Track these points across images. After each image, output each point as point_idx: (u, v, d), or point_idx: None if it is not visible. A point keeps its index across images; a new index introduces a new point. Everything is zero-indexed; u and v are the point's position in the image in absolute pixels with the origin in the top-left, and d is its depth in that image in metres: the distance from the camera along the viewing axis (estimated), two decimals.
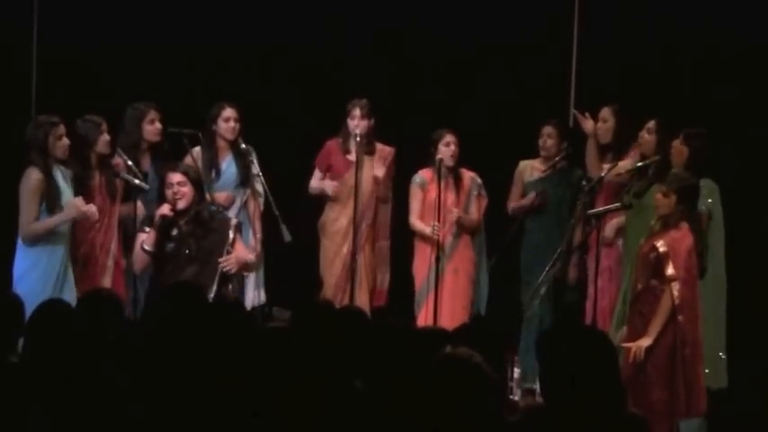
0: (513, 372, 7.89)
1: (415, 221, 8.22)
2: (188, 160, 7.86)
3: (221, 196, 7.94)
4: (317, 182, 8.44)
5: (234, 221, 7.45)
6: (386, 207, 8.49)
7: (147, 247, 7.19)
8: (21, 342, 4.91)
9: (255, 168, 8.03)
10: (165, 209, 7.19)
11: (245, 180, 8.05)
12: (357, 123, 8.23)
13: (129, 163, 7.61)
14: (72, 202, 7.08)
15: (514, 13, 9.10)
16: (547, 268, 7.82)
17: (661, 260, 6.56)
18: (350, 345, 4.73)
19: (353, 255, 8.24)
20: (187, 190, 7.22)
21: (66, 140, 7.17)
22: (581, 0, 8.94)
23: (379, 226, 8.46)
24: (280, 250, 8.03)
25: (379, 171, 8.30)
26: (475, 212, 8.26)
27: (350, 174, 8.26)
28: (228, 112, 8.07)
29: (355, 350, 4.68)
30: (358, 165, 8.17)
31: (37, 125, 7.17)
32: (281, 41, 9.51)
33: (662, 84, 8.54)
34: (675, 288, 6.51)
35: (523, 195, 8.34)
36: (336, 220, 8.39)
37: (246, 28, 9.53)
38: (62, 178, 7.18)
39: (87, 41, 9.50)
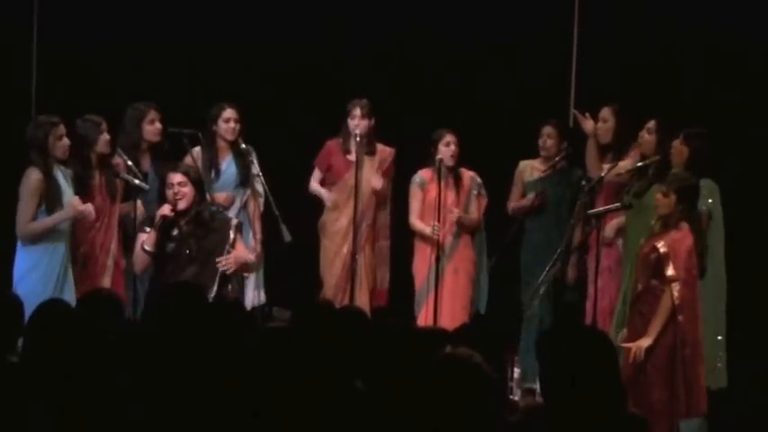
0: (513, 372, 7.89)
1: (415, 221, 8.22)
2: (188, 160, 7.86)
3: (221, 196, 7.94)
4: (316, 185, 8.45)
5: (234, 221, 7.45)
6: (385, 207, 8.49)
7: (147, 248, 7.19)
8: (21, 342, 4.91)
9: (255, 168, 8.02)
10: (165, 209, 7.19)
11: (244, 180, 8.05)
12: (357, 123, 8.23)
13: (129, 163, 7.61)
14: (69, 202, 7.09)
15: (514, 13, 9.10)
16: (547, 268, 7.82)
17: (661, 261, 6.56)
18: (350, 345, 4.73)
19: (353, 255, 8.24)
20: (188, 190, 7.22)
21: (66, 140, 7.18)
22: (581, 0, 8.94)
23: (379, 226, 8.46)
24: (280, 250, 8.03)
25: (378, 182, 8.29)
26: (475, 212, 8.26)
27: (350, 174, 8.26)
28: (229, 112, 8.07)
29: (355, 350, 4.68)
30: (358, 165, 8.17)
31: (37, 125, 7.18)
32: (281, 41, 9.50)
33: (662, 84, 8.54)
34: (676, 288, 6.51)
35: (523, 195, 8.34)
36: (336, 221, 8.39)
37: (246, 28, 9.52)
38: (63, 178, 7.18)
39: (87, 41, 9.50)
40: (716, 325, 7.17)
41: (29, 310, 4.94)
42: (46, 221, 7.08)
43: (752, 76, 8.41)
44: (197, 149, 8.02)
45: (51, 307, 4.92)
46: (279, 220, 7.80)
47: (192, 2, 9.61)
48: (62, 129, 7.16)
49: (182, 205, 7.20)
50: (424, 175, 8.24)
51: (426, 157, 8.20)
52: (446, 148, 8.12)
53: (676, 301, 6.51)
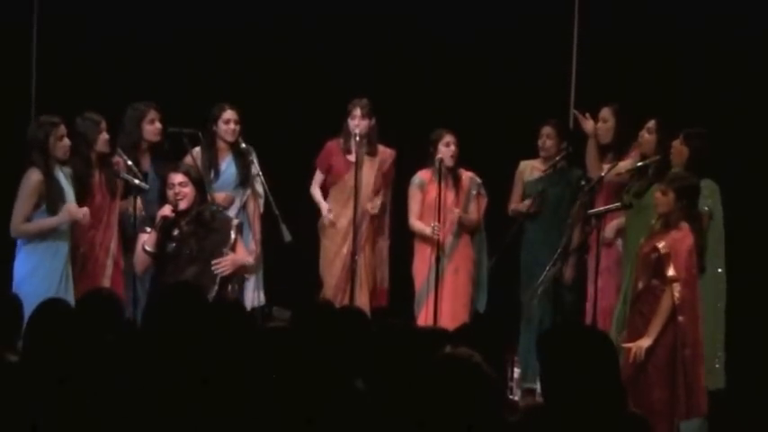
0: (513, 372, 7.88)
1: (415, 222, 8.22)
2: (188, 160, 7.86)
3: (220, 197, 7.94)
4: (317, 193, 8.44)
5: (236, 222, 7.45)
6: (385, 209, 8.48)
7: (148, 248, 7.19)
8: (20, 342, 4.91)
9: (255, 168, 8.02)
10: (166, 210, 7.20)
11: (244, 180, 8.05)
12: (357, 123, 8.23)
13: (129, 163, 7.61)
14: (65, 207, 7.08)
15: (514, 14, 9.10)
16: (547, 268, 7.82)
17: (662, 261, 6.56)
18: (350, 345, 4.73)
19: (353, 255, 8.24)
20: (188, 190, 7.22)
21: (66, 141, 7.18)
22: (581, 0, 8.94)
23: (379, 226, 8.46)
24: (280, 250, 8.03)
25: (371, 206, 8.28)
26: (474, 212, 8.26)
27: (350, 174, 8.26)
28: (229, 113, 8.07)
29: (355, 350, 4.68)
30: (358, 165, 8.17)
31: (38, 125, 7.18)
32: (281, 41, 9.50)
33: (662, 84, 8.54)
34: (676, 289, 6.51)
35: (524, 195, 8.34)
36: (336, 221, 8.38)
37: (246, 28, 9.51)
38: (63, 178, 7.18)
39: (87, 41, 9.50)
40: (715, 325, 7.17)
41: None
42: (41, 225, 7.08)
43: (752, 76, 8.41)
44: (197, 149, 8.02)
45: (51, 307, 4.92)
46: (279, 220, 7.79)
47: (192, 2, 9.60)
48: (63, 129, 7.16)
49: (183, 205, 7.20)
50: (423, 176, 8.24)
51: (426, 158, 8.20)
52: (446, 149, 8.12)
53: (677, 302, 6.51)
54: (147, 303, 6.59)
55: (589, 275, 7.73)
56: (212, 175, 8.02)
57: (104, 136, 7.43)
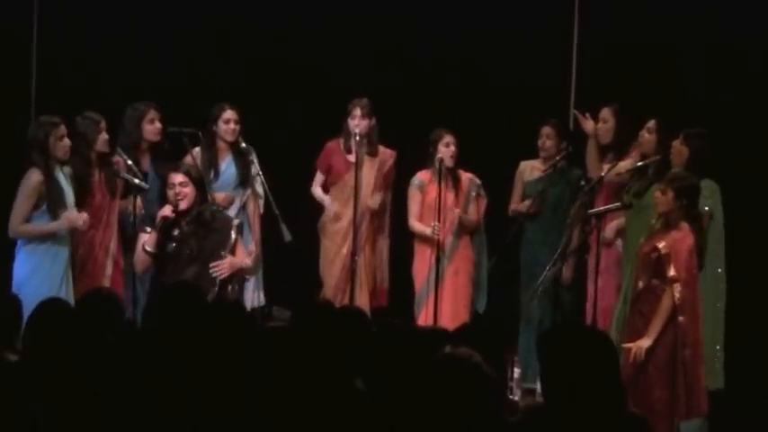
0: (513, 372, 7.88)
1: (415, 223, 8.22)
2: (188, 160, 7.86)
3: (220, 197, 7.94)
4: (319, 190, 8.44)
5: (236, 222, 7.44)
6: (385, 209, 8.48)
7: (148, 248, 7.19)
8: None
9: (255, 168, 8.02)
10: (166, 210, 7.19)
11: (244, 180, 8.05)
12: (357, 123, 8.23)
13: (129, 163, 7.61)
14: (64, 215, 7.08)
15: (514, 14, 9.10)
16: (547, 268, 7.82)
17: (662, 261, 6.55)
18: (350, 345, 4.73)
19: (353, 255, 8.24)
20: (189, 190, 7.22)
21: (67, 141, 7.18)
22: (581, 0, 8.94)
23: (379, 226, 8.45)
24: (280, 250, 8.03)
25: (373, 202, 8.28)
26: (474, 213, 8.25)
27: (350, 174, 8.25)
28: (229, 113, 8.07)
29: (355, 350, 4.68)
30: (358, 165, 8.17)
31: (38, 125, 7.18)
32: (281, 41, 9.50)
33: (662, 84, 8.54)
34: (677, 289, 6.51)
35: (524, 195, 8.34)
36: (336, 221, 8.38)
37: (247, 28, 9.52)
38: (63, 178, 7.18)
39: (87, 41, 9.50)
40: (715, 325, 7.17)
41: None
42: (39, 229, 7.09)
43: (752, 76, 8.41)
44: (197, 149, 8.02)
45: (51, 307, 4.92)
46: (279, 220, 7.79)
47: (192, 2, 9.60)
48: (63, 129, 7.17)
49: (183, 205, 7.20)
50: (422, 176, 8.24)
51: (425, 158, 8.20)
52: (446, 149, 8.12)
53: (677, 302, 6.51)
54: (147, 303, 6.59)
55: (589, 275, 7.73)
56: (212, 175, 8.01)
57: (104, 136, 7.43)
